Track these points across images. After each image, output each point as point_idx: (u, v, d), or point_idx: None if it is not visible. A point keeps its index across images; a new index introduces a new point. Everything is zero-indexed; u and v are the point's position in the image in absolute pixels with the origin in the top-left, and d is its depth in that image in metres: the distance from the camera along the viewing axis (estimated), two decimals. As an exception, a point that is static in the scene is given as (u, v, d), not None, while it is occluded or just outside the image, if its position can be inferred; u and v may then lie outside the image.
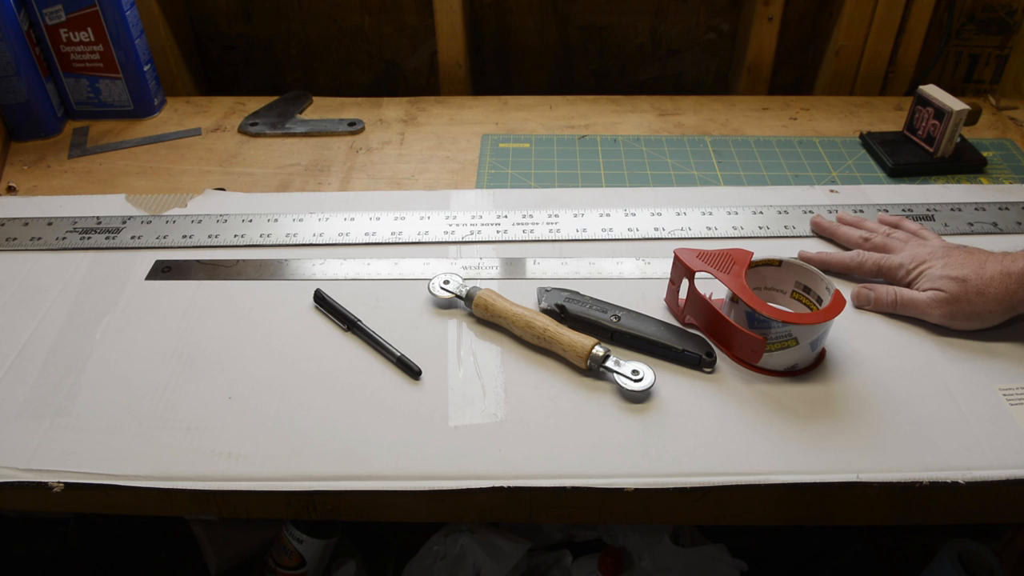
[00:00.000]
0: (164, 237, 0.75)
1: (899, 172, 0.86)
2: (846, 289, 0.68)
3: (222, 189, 0.84)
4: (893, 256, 0.68)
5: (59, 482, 0.53)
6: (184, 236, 0.75)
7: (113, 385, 0.60)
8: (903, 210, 0.78)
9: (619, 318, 0.63)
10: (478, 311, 0.64)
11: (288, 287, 0.70)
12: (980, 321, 0.62)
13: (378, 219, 0.78)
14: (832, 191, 0.82)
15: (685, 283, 0.63)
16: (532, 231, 0.76)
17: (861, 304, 0.67)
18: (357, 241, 0.75)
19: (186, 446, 0.55)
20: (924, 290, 0.64)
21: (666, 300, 0.67)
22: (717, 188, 0.84)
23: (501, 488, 0.52)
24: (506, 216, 0.78)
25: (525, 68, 1.15)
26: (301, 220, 0.77)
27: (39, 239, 0.75)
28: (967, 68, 1.09)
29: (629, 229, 0.76)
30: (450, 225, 0.77)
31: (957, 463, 0.53)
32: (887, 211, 0.78)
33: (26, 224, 0.77)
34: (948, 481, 0.52)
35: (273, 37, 1.12)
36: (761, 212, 0.78)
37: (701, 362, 0.60)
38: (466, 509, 0.56)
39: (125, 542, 1.13)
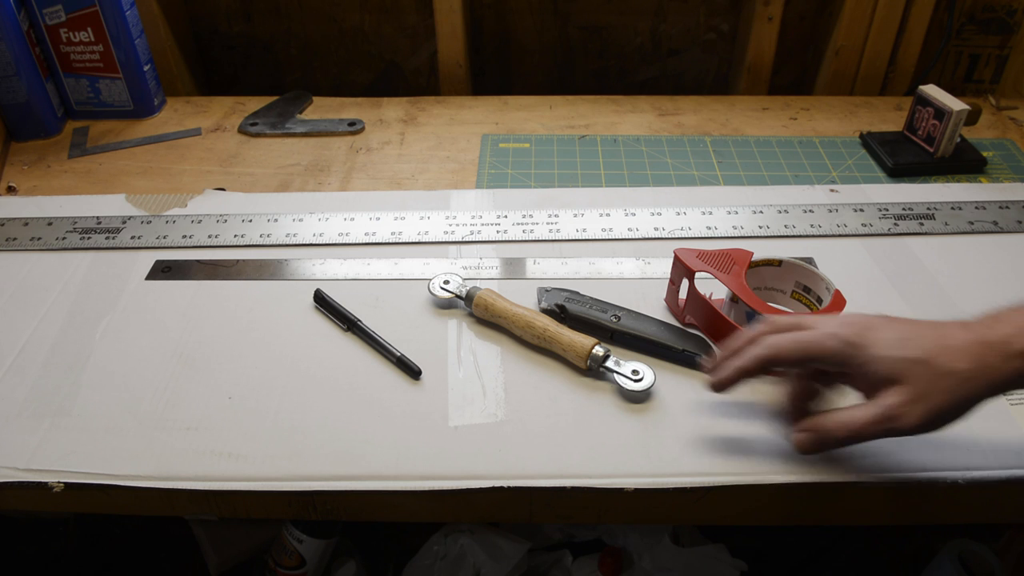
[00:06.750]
0: (164, 237, 0.75)
1: (899, 172, 0.85)
2: (846, 290, 0.67)
3: (222, 189, 0.84)
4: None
5: (59, 482, 0.53)
6: (184, 236, 0.75)
7: (113, 385, 0.60)
8: (903, 209, 0.78)
9: (619, 318, 0.63)
10: (478, 311, 0.64)
11: (288, 287, 0.70)
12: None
13: (378, 219, 0.78)
14: (832, 191, 0.82)
15: (685, 283, 0.63)
16: (532, 231, 0.76)
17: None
18: (357, 241, 0.75)
19: (186, 446, 0.55)
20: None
21: (666, 300, 0.67)
22: (717, 188, 0.84)
23: (501, 488, 0.52)
24: (506, 216, 0.78)
25: (525, 68, 1.15)
26: (301, 220, 0.77)
27: (39, 239, 0.75)
28: (967, 68, 1.09)
29: (629, 229, 0.76)
30: (450, 225, 0.77)
31: (957, 463, 0.53)
32: (887, 210, 0.78)
33: (26, 224, 0.77)
34: (948, 481, 0.52)
35: (273, 37, 1.12)
36: (761, 212, 0.78)
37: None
38: (466, 509, 0.56)
39: (125, 542, 1.13)
